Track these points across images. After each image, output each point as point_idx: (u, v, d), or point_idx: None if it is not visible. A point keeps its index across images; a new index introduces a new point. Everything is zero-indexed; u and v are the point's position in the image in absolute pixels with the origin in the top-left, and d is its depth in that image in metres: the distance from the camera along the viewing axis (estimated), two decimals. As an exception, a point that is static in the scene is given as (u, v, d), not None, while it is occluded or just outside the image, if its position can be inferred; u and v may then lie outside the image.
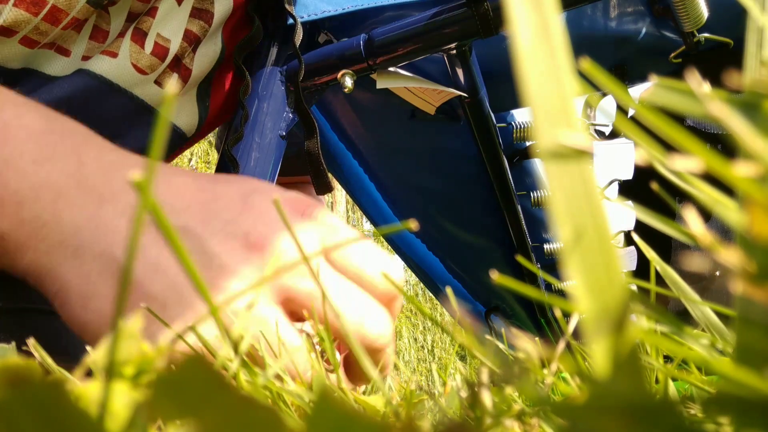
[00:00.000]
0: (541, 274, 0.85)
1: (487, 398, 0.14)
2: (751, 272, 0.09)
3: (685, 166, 0.10)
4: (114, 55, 0.53)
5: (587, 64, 0.11)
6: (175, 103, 0.61)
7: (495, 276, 0.14)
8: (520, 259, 0.23)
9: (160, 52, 0.56)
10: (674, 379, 0.27)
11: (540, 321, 0.94)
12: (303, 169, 0.63)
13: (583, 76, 0.12)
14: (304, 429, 0.09)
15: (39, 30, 0.46)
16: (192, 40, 0.59)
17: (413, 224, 0.17)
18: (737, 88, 0.10)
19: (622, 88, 0.11)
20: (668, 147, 0.11)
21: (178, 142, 0.65)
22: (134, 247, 0.10)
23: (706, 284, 0.64)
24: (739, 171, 0.09)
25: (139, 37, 0.54)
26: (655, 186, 0.16)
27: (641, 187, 0.72)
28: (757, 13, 0.12)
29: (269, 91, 0.61)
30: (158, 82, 0.57)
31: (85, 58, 0.52)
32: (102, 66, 0.52)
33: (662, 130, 0.10)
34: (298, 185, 0.84)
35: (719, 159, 0.10)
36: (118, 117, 0.56)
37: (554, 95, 0.11)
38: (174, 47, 0.57)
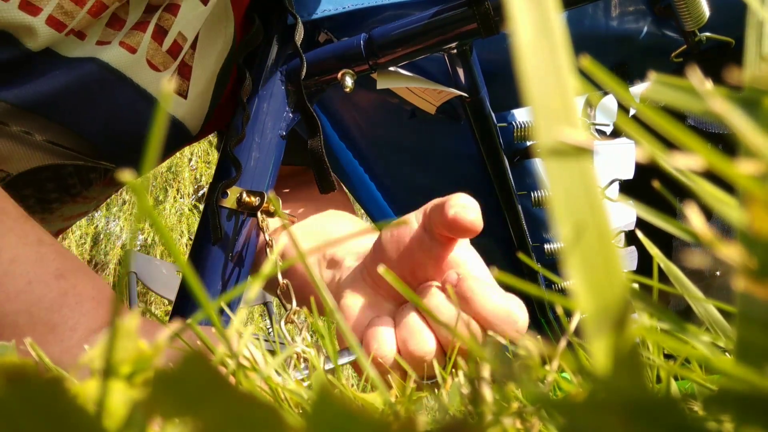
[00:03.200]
0: (542, 272, 0.85)
1: (488, 394, 0.14)
2: (752, 269, 0.09)
3: (687, 163, 0.10)
4: (133, 50, 0.54)
5: (588, 62, 0.11)
6: (185, 104, 0.61)
7: (495, 273, 0.14)
8: (520, 256, 0.23)
9: (174, 50, 0.57)
10: (676, 378, 0.27)
11: (540, 320, 0.94)
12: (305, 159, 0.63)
13: (585, 75, 0.12)
14: (304, 427, 0.09)
15: (64, 9, 0.47)
16: (196, 37, 0.59)
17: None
18: (738, 85, 0.10)
19: (622, 86, 0.11)
20: (669, 146, 0.11)
21: (183, 142, 0.66)
22: (132, 246, 0.10)
23: (708, 283, 0.64)
24: (740, 168, 0.09)
25: (161, 35, 0.55)
26: (656, 184, 0.16)
27: (642, 186, 0.72)
28: (756, 6, 0.12)
29: (269, 91, 0.61)
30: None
31: (100, 43, 0.52)
32: (118, 59, 0.53)
33: (664, 128, 0.10)
34: (300, 175, 0.83)
35: (720, 157, 0.10)
36: (128, 112, 0.56)
37: (555, 94, 0.11)
38: (186, 46, 0.57)
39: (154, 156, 0.10)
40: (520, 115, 0.77)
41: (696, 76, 0.10)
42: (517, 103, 0.74)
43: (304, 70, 0.59)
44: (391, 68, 0.61)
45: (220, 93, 0.64)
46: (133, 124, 0.58)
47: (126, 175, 0.10)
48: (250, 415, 0.10)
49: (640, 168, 0.74)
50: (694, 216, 0.10)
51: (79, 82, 0.52)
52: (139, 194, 0.10)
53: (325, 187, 0.61)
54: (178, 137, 0.64)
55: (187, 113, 0.62)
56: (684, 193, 0.12)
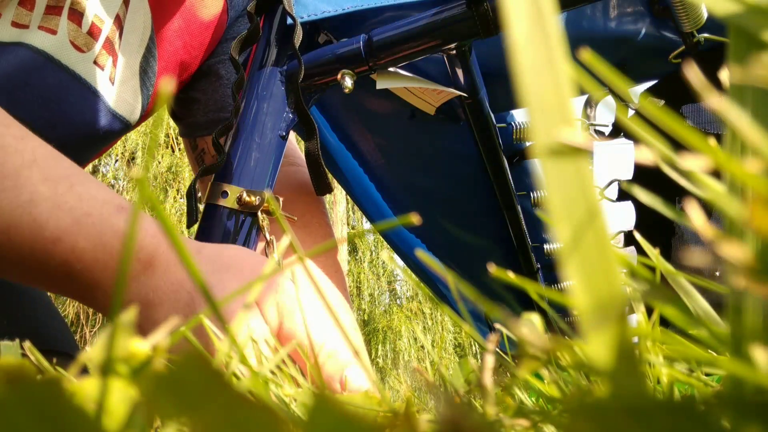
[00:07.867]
0: (540, 277, 0.85)
1: (489, 383, 0.14)
2: (752, 267, 0.09)
3: (691, 163, 0.10)
4: (53, 32, 0.56)
5: (588, 55, 0.11)
6: (117, 92, 0.63)
7: (492, 269, 0.14)
8: (519, 256, 0.23)
9: (94, 31, 0.59)
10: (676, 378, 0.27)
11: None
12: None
13: (586, 72, 0.12)
14: (302, 428, 0.09)
15: None
16: (120, 25, 0.61)
17: (415, 218, 0.17)
18: (736, 84, 0.10)
19: (622, 80, 0.11)
20: (667, 146, 0.11)
21: (121, 132, 0.67)
22: (132, 237, 0.10)
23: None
24: (741, 166, 0.09)
25: (76, 16, 0.58)
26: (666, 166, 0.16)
27: (641, 186, 0.72)
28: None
29: (269, 92, 0.61)
30: (97, 64, 0.60)
31: (16, 24, 0.54)
32: (43, 41, 0.56)
33: (664, 124, 0.10)
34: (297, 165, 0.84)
35: (721, 153, 0.10)
36: (61, 93, 0.58)
37: (551, 92, 0.11)
38: (106, 29, 0.60)
39: (151, 159, 0.10)
40: (519, 115, 0.77)
41: (694, 74, 0.10)
42: (516, 104, 0.74)
43: (302, 72, 0.59)
44: (391, 69, 0.61)
45: (150, 82, 0.66)
46: (68, 105, 0.60)
47: (134, 171, 0.10)
48: (250, 416, 0.10)
49: (639, 168, 0.74)
50: (694, 213, 0.10)
51: (13, 66, 0.54)
52: (142, 186, 0.10)
53: (322, 189, 0.62)
54: (115, 125, 0.65)
55: (117, 99, 0.64)
56: (683, 194, 0.12)
